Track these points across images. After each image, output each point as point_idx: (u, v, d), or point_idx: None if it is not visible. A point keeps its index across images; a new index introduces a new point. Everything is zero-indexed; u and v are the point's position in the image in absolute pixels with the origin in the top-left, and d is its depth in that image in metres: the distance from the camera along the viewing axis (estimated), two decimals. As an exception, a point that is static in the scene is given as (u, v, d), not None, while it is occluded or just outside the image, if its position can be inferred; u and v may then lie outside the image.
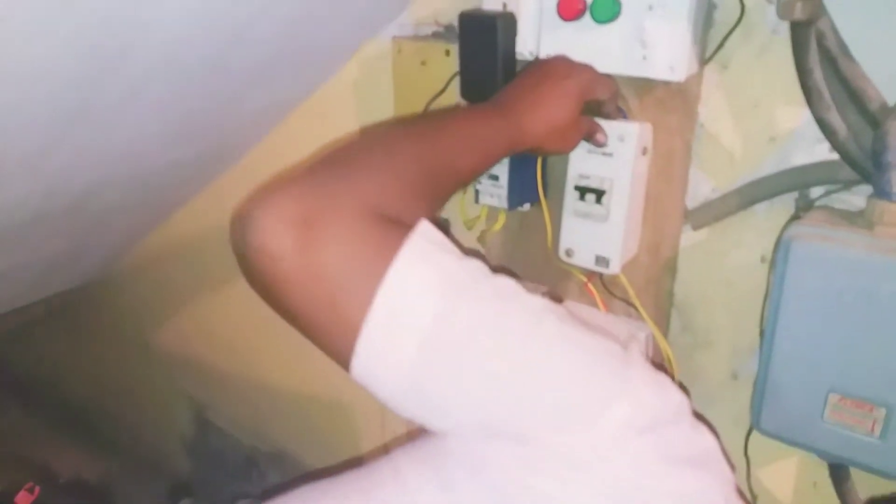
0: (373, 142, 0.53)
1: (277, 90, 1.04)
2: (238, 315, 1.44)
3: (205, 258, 1.45)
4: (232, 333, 1.50)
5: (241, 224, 0.44)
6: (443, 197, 0.57)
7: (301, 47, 0.92)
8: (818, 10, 0.59)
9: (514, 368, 0.44)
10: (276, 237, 0.43)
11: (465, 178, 0.60)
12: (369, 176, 0.48)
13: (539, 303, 0.47)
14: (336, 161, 0.49)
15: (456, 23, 0.78)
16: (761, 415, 0.68)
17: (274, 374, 1.46)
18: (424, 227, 0.46)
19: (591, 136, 0.72)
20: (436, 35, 0.91)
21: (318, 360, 0.49)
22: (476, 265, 0.47)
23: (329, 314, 0.44)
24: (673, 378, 0.81)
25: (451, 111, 0.62)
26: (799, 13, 0.57)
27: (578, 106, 0.67)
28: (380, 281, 0.43)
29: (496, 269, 0.48)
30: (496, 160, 0.63)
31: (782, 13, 0.57)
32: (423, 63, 0.89)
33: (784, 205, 0.73)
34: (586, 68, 0.69)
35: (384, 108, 0.96)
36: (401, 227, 0.46)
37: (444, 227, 0.99)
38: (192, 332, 1.61)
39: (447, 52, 0.86)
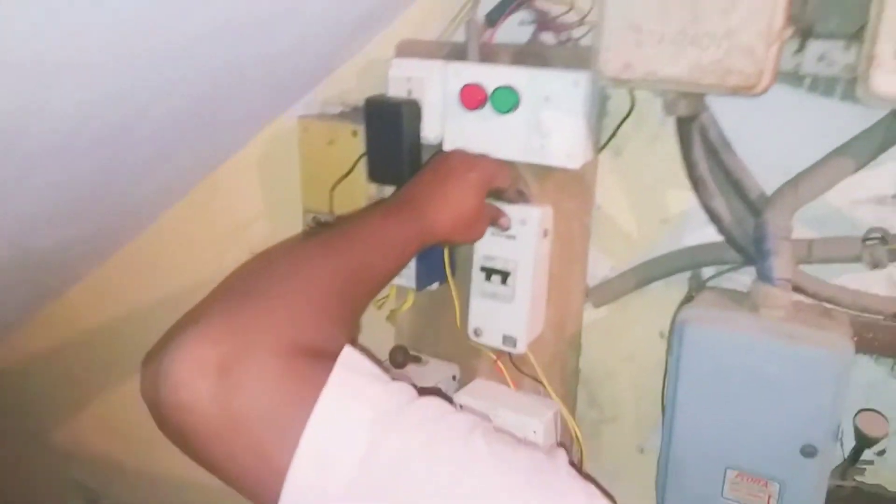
0: (285, 266, 0.51)
1: (179, 167, 1.02)
2: (133, 400, 1.36)
3: (99, 341, 1.37)
4: (127, 419, 1.40)
5: (152, 375, 0.41)
6: (362, 309, 0.56)
7: (205, 124, 0.90)
8: (700, 106, 0.63)
9: (448, 495, 0.42)
10: (191, 389, 0.40)
11: (383, 284, 0.60)
12: (285, 307, 0.46)
13: (466, 422, 0.46)
14: (248, 293, 0.47)
15: (362, 103, 0.79)
16: (665, 492, 0.70)
17: (170, 460, 1.37)
18: (347, 357, 0.45)
19: (494, 221, 0.73)
20: (343, 115, 0.92)
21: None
22: (401, 389, 0.46)
23: (253, 462, 0.41)
24: (581, 454, 0.82)
25: (360, 216, 0.62)
26: (682, 110, 0.61)
27: (482, 197, 0.69)
28: (305, 422, 0.41)
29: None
30: (409, 259, 0.63)
31: (667, 110, 0.61)
32: (330, 143, 0.89)
33: (679, 283, 0.76)
34: (486, 161, 0.72)
35: (290, 186, 0.95)
36: (323, 360, 0.44)
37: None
38: (85, 418, 1.51)
39: (354, 133, 0.86)
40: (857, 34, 0.54)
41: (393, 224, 0.62)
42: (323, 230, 0.60)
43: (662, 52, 0.56)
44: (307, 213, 0.94)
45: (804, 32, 0.57)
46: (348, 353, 0.45)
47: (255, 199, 1.06)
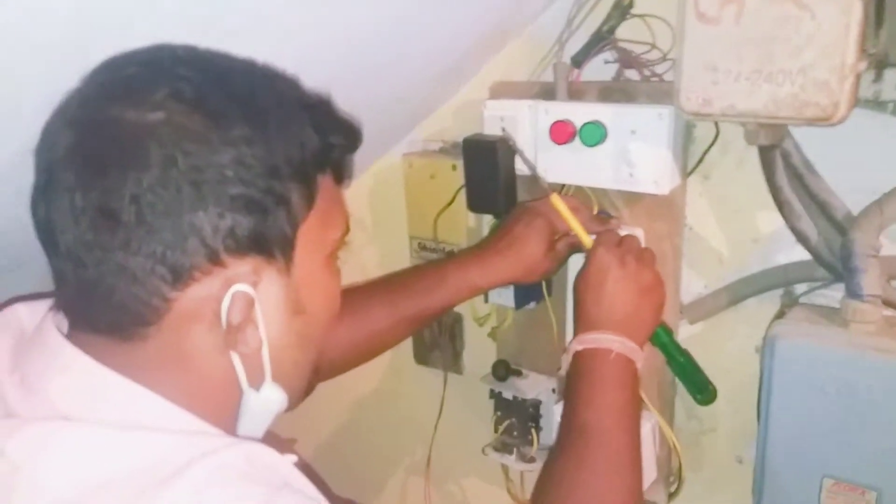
0: None
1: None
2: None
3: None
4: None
5: None
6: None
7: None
8: (781, 134, 0.66)
9: None
10: None
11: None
12: None
13: None
14: None
15: (460, 140, 0.86)
16: (762, 501, 0.73)
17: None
18: None
19: (575, 249, 0.79)
20: (443, 151, 1.00)
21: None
22: None
23: None
24: (680, 465, 0.85)
25: (440, 266, 0.82)
26: (763, 139, 0.64)
27: (545, 242, 0.78)
28: None
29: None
30: (461, 301, 0.81)
31: (748, 139, 0.65)
32: (433, 177, 0.98)
33: (771, 300, 0.79)
34: (549, 207, 0.77)
35: (396, 215, 1.04)
36: None
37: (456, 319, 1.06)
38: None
39: (454, 167, 0.95)
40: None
41: (459, 272, 0.79)
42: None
43: (739, 88, 0.61)
44: (413, 239, 1.03)
45: (880, 63, 0.59)
46: None
47: (367, 227, 1.16)
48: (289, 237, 0.49)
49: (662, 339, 0.78)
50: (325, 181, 0.52)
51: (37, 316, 0.51)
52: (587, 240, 0.75)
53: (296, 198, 0.49)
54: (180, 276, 0.45)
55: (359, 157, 1.06)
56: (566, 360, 0.72)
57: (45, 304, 0.52)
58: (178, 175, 0.44)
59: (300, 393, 0.56)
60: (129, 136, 0.44)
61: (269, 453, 0.47)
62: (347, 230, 0.56)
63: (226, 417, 0.51)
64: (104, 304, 0.46)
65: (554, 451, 0.67)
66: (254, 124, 0.47)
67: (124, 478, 0.42)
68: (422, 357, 1.13)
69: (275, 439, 0.52)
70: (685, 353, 0.80)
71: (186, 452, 0.43)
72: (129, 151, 0.44)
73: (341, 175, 0.56)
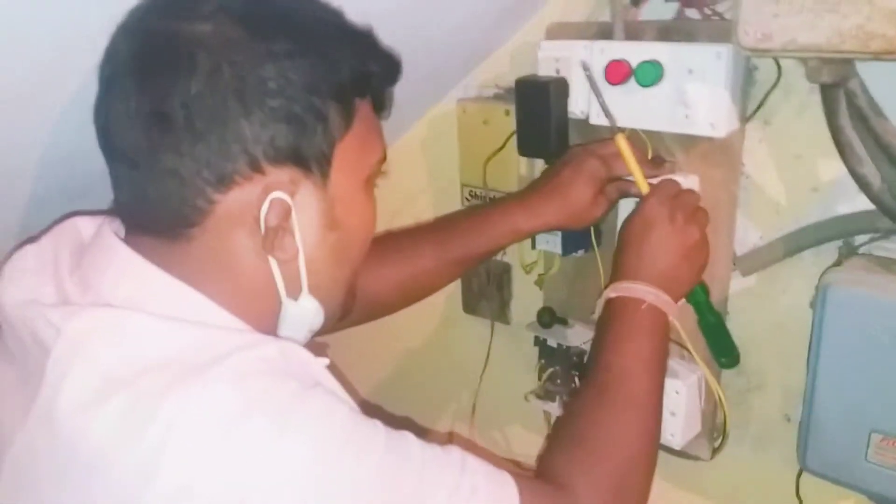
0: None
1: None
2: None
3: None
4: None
5: None
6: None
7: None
8: (847, 73, 0.63)
9: None
10: None
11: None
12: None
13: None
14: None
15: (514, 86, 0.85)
16: (806, 453, 0.71)
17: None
18: None
19: (625, 194, 0.78)
20: (497, 97, 0.99)
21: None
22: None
23: None
24: (725, 419, 0.84)
25: (487, 209, 0.82)
26: (826, 77, 0.61)
27: (593, 187, 0.77)
28: None
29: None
30: (505, 245, 0.83)
31: (810, 77, 0.62)
32: (486, 122, 0.97)
33: (830, 252, 0.76)
34: (600, 150, 0.77)
35: (450, 163, 1.04)
36: None
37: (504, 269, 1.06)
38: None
39: (507, 112, 0.94)
40: None
41: (504, 216, 0.79)
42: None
43: (801, 20, 0.58)
44: (464, 187, 1.03)
45: (958, -8, 0.55)
46: None
47: (420, 176, 1.17)
48: (325, 153, 0.51)
49: (699, 297, 0.77)
50: (363, 107, 0.54)
51: (94, 226, 0.55)
52: (645, 185, 0.74)
53: (333, 116, 0.51)
54: (223, 180, 0.48)
55: (413, 103, 1.08)
56: (600, 305, 0.72)
57: (101, 217, 0.55)
58: (223, 83, 0.46)
59: (336, 309, 0.58)
60: (181, 44, 0.47)
61: (304, 353, 0.49)
62: (384, 158, 0.57)
63: (266, 323, 0.53)
64: (154, 205, 0.49)
65: (577, 390, 0.67)
66: (295, 41, 0.49)
67: (169, 361, 0.45)
68: (470, 306, 1.14)
69: (308, 343, 0.54)
70: (717, 315, 0.79)
71: (227, 344, 0.46)
72: (179, 59, 0.47)
73: (381, 105, 0.58)
